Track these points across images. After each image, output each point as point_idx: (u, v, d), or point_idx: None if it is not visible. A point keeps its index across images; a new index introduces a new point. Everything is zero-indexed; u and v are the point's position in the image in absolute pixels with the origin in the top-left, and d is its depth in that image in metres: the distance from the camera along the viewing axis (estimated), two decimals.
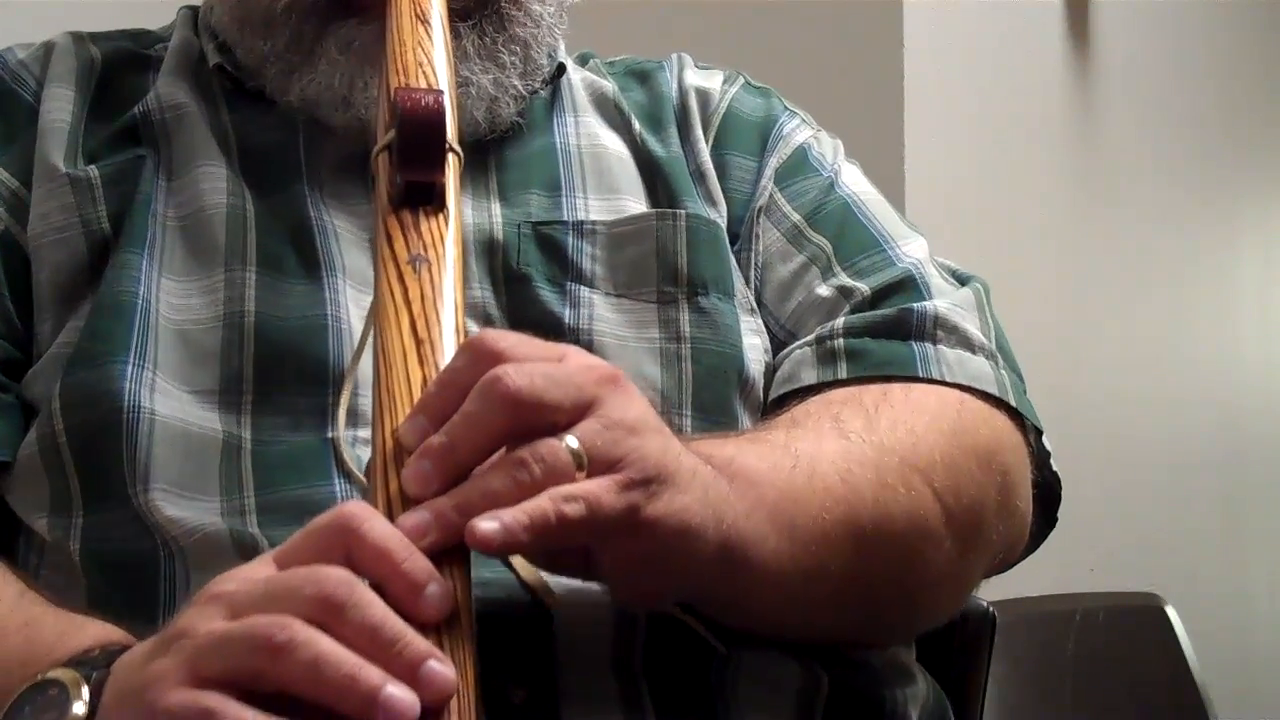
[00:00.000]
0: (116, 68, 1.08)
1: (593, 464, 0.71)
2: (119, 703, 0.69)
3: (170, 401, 0.92)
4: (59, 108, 1.04)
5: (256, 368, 0.93)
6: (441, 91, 0.84)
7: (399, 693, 0.62)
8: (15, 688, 0.73)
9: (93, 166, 1.01)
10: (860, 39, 1.92)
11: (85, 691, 0.70)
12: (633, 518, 0.71)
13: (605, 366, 0.75)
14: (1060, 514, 1.06)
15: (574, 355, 0.76)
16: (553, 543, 0.70)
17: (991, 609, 1.19)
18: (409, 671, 0.63)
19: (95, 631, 0.79)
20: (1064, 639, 1.61)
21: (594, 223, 1.03)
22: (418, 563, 0.67)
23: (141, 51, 1.10)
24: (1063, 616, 1.63)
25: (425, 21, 0.90)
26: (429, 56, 0.89)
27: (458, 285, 0.80)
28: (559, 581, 0.83)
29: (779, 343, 1.03)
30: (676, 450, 0.75)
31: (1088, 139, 2.44)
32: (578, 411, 0.72)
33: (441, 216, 0.82)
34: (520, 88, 1.05)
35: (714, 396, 0.96)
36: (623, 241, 1.02)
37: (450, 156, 0.83)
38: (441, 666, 0.64)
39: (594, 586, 0.84)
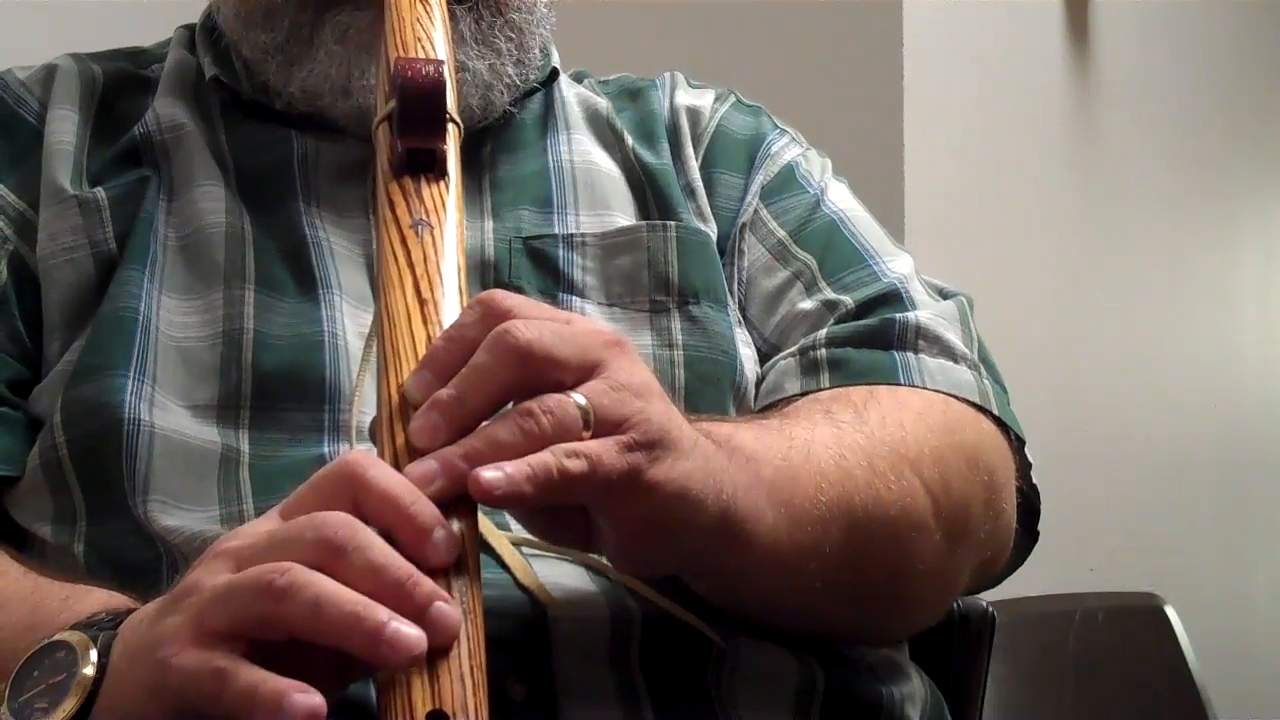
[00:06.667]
0: (117, 88, 1.09)
1: (598, 423, 0.71)
2: (130, 661, 0.68)
3: (169, 415, 0.92)
4: (63, 129, 1.04)
5: (254, 384, 0.94)
6: (442, 61, 0.85)
7: (405, 628, 0.62)
8: (22, 654, 0.73)
9: (100, 189, 1.01)
10: (860, 39, 1.92)
11: (94, 654, 0.70)
12: (634, 479, 0.71)
13: (611, 332, 0.76)
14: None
15: (581, 320, 0.77)
16: (554, 498, 0.70)
17: (991, 609, 1.19)
18: (416, 613, 0.63)
19: (101, 597, 0.79)
20: (1064, 639, 1.61)
21: (584, 235, 1.03)
22: (424, 508, 0.66)
23: (139, 72, 1.11)
24: (1063, 616, 1.63)
25: (424, 1, 0.91)
26: (427, 34, 0.89)
27: (459, 249, 0.80)
28: (555, 584, 0.83)
29: (764, 356, 1.03)
30: (680, 419, 0.75)
31: (1087, 139, 2.44)
32: (584, 371, 0.72)
33: (443, 184, 0.82)
34: (514, 76, 1.06)
35: (707, 404, 0.96)
36: (614, 252, 1.03)
37: (450, 127, 0.83)
38: (448, 608, 0.64)
39: (590, 587, 0.84)
